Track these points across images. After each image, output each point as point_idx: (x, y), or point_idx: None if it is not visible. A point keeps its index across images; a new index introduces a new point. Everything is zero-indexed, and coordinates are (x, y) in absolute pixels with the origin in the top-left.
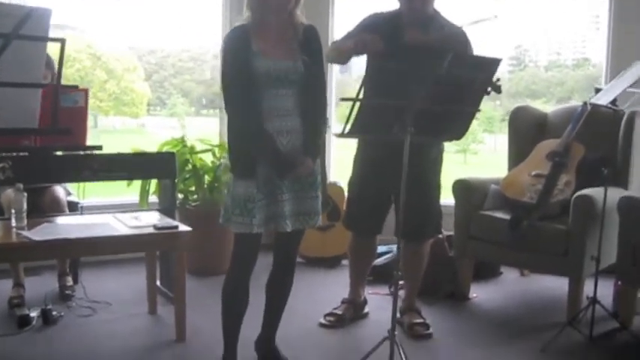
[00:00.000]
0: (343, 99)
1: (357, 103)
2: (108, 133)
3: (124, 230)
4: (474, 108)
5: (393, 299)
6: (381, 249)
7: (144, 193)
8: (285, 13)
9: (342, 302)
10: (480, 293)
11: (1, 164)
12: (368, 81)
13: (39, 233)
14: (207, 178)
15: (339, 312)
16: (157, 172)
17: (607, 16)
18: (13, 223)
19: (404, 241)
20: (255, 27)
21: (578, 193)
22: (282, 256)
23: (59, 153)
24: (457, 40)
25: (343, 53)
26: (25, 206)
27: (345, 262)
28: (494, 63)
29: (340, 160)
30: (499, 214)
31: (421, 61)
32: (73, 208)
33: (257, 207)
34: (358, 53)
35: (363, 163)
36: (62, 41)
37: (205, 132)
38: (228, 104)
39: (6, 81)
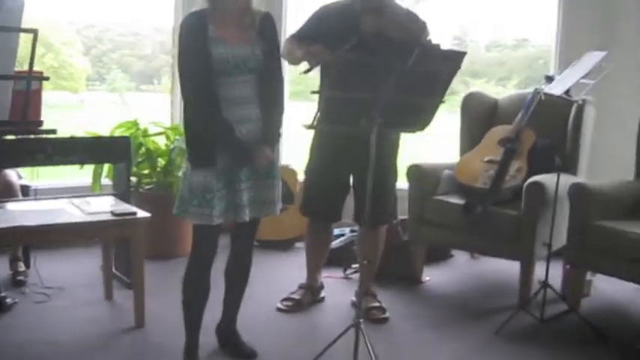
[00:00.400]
0: (313, 92)
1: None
2: (47, 107)
3: (80, 217)
4: (440, 99)
5: (359, 287)
6: (334, 232)
7: (97, 176)
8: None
9: (300, 287)
10: (432, 276)
11: None
12: (333, 73)
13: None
14: (160, 161)
15: (296, 297)
16: (112, 156)
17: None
18: None
19: (360, 226)
20: (212, 13)
21: (530, 179)
22: (240, 244)
23: (11, 137)
24: (414, 23)
25: (295, 60)
26: None
27: (299, 244)
28: (460, 56)
29: (291, 143)
30: (453, 199)
31: (388, 54)
32: (25, 192)
33: (216, 197)
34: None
35: (320, 149)
36: (35, 32)
37: (147, 108)
38: (184, 91)
39: None
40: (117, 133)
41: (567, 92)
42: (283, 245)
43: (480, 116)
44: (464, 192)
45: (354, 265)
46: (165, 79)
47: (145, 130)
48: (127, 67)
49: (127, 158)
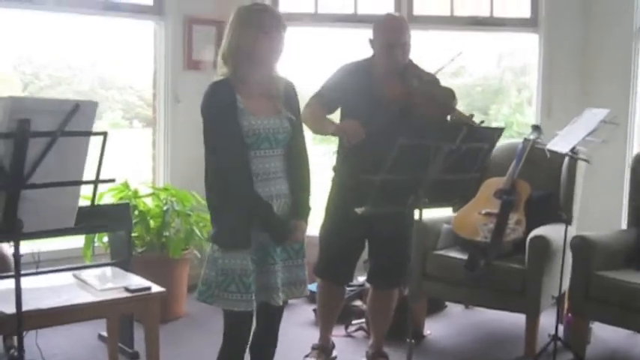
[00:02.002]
0: (362, 176)
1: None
2: None
3: (93, 296)
4: (479, 173)
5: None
6: None
7: (89, 244)
8: (271, 68)
9: (313, 348)
10: (432, 329)
11: None
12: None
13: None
14: (152, 222)
15: (311, 358)
16: (112, 224)
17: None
18: None
19: (373, 287)
20: (238, 82)
21: (533, 233)
22: (267, 327)
23: None
24: (444, 94)
25: (322, 133)
26: None
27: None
28: (499, 131)
29: None
30: (454, 254)
31: (434, 136)
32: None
33: (252, 280)
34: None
35: (336, 211)
36: (105, 134)
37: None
38: (215, 168)
39: (49, 181)
40: (108, 197)
41: (573, 150)
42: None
43: None
44: (464, 246)
45: (355, 322)
46: (105, 115)
47: (136, 192)
48: None
49: (128, 225)
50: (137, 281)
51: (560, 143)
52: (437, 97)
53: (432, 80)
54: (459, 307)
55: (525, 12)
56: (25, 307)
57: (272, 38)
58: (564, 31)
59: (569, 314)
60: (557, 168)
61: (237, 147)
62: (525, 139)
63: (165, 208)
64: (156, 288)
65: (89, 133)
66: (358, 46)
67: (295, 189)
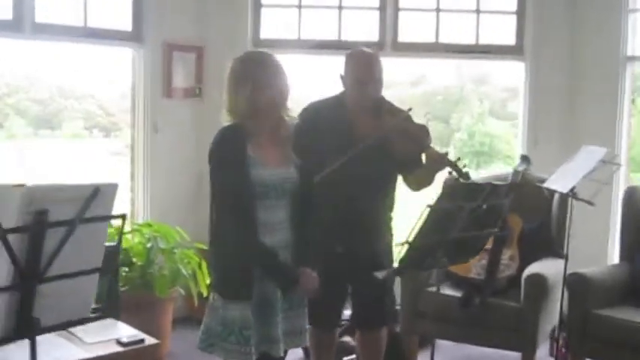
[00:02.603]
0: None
1: None
2: None
3: (85, 351)
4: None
5: None
6: None
7: None
8: (278, 114)
9: None
10: None
11: None
12: None
13: None
14: (135, 259)
15: None
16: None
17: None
18: None
19: (359, 331)
20: (248, 129)
21: (529, 270)
22: None
23: None
24: (418, 130)
25: None
26: None
27: None
28: (518, 187)
29: None
30: (447, 291)
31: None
32: None
33: (252, 333)
34: None
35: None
36: (123, 217)
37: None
38: (220, 216)
39: (65, 272)
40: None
41: (572, 190)
42: None
43: None
44: (457, 283)
45: (345, 359)
46: (65, 125)
47: (117, 228)
48: (24, 113)
49: (115, 269)
50: (127, 332)
51: (558, 182)
52: (411, 133)
53: (405, 117)
54: (446, 341)
55: (510, 39)
56: None
57: (272, 89)
58: (550, 58)
59: (563, 350)
60: (547, 199)
61: (244, 195)
62: (515, 171)
63: (149, 245)
64: (149, 340)
65: (108, 217)
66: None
67: (301, 236)
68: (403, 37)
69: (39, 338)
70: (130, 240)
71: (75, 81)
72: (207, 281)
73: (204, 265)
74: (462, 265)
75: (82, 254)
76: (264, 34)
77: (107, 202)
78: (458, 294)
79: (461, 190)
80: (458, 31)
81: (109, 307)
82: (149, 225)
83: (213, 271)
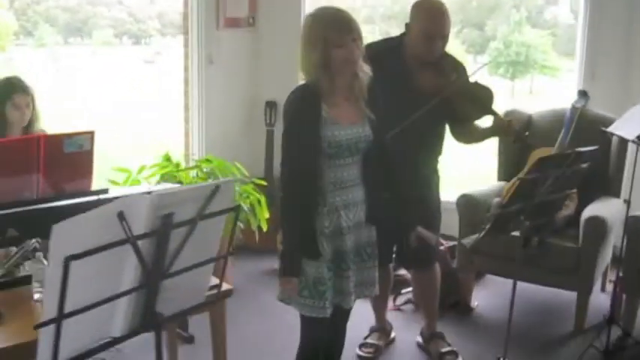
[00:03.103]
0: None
1: None
2: None
3: None
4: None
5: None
6: None
7: None
8: (352, 71)
9: (372, 330)
10: (478, 300)
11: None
12: None
13: None
14: None
15: (374, 341)
16: None
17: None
18: (35, 296)
19: (413, 270)
20: (322, 88)
21: (588, 212)
22: (336, 326)
23: (61, 203)
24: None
25: None
26: None
27: None
28: (596, 152)
29: None
30: None
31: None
32: None
33: (327, 287)
34: None
35: None
36: (237, 209)
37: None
38: (283, 175)
39: (185, 265)
40: (151, 174)
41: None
42: None
43: None
44: None
45: (403, 291)
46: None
47: (178, 165)
48: (54, 20)
49: None
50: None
51: (624, 127)
52: (476, 95)
53: (468, 76)
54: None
55: None
56: None
57: (345, 48)
58: None
59: (617, 289)
60: (607, 138)
61: (307, 159)
62: (573, 106)
63: (209, 181)
64: (225, 286)
65: (225, 211)
66: None
67: (377, 194)
68: None
69: None
70: (190, 176)
71: None
72: (267, 215)
73: (262, 199)
74: None
75: (200, 247)
76: None
77: (226, 197)
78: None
79: (549, 161)
80: None
81: None
82: (208, 160)
83: (282, 227)
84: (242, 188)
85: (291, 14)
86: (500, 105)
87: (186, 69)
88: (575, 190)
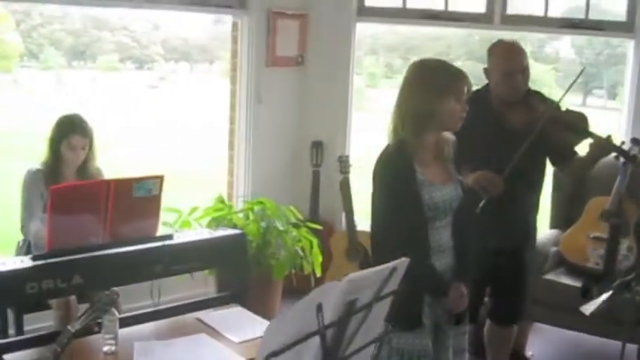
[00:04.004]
0: None
1: None
2: None
3: (239, 355)
4: None
5: None
6: None
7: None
8: (453, 127)
9: None
10: (532, 349)
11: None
12: None
13: None
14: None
15: None
16: (228, 255)
17: None
18: (105, 348)
19: (494, 323)
20: (415, 148)
21: None
22: None
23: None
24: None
25: None
26: (117, 330)
27: None
28: None
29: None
30: (565, 280)
31: None
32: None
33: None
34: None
35: None
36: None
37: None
38: (392, 243)
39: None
40: (202, 215)
41: None
42: None
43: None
44: (574, 271)
45: None
46: (100, 59)
47: (231, 207)
48: (59, 43)
49: (245, 255)
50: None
51: None
52: (569, 121)
53: (558, 105)
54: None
55: (622, 15)
56: None
57: (463, 106)
58: None
59: None
60: None
61: (419, 221)
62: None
63: (263, 224)
64: None
65: (392, 293)
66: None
67: (463, 255)
68: (512, 9)
69: (195, 338)
70: (242, 219)
71: (108, 12)
72: (320, 259)
73: (315, 243)
74: (577, 253)
75: (370, 326)
76: (369, 1)
77: (397, 276)
78: (575, 283)
79: None
80: (565, 3)
81: (238, 293)
82: (260, 202)
83: None
84: (299, 233)
85: (339, 54)
86: None
87: (232, 107)
88: (633, 242)
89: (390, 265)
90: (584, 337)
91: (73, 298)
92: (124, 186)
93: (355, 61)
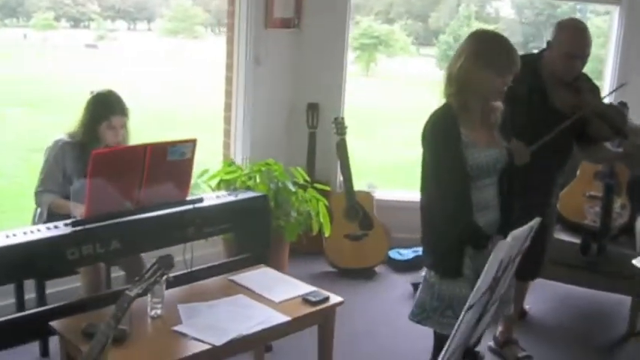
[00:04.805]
0: None
1: None
2: None
3: (282, 313)
4: None
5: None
6: (405, 253)
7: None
8: (497, 101)
9: None
10: (529, 303)
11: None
12: None
13: (203, 329)
14: None
15: None
16: (254, 217)
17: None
18: (152, 312)
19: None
20: (461, 111)
21: None
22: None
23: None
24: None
25: None
26: (164, 294)
27: (379, 270)
28: None
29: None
30: (565, 237)
31: None
32: None
33: None
34: None
35: None
36: None
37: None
38: (437, 196)
39: None
40: (211, 176)
41: None
42: (365, 273)
43: None
44: (572, 228)
45: None
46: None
47: (241, 170)
48: None
49: (268, 217)
50: (305, 288)
51: None
52: (610, 116)
53: (602, 97)
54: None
55: None
56: (225, 336)
57: (505, 81)
58: None
59: None
60: None
61: (462, 179)
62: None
63: (272, 186)
64: (335, 298)
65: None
66: None
67: (508, 216)
68: None
69: (234, 298)
70: (249, 181)
71: None
72: (328, 220)
73: (323, 204)
74: (574, 211)
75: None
76: None
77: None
78: (574, 239)
79: None
80: None
81: (261, 253)
82: (267, 164)
83: (427, 250)
84: (310, 193)
85: (335, 18)
86: None
87: (228, 67)
88: (625, 200)
89: (529, 225)
90: (577, 290)
91: (101, 263)
92: (160, 150)
93: (351, 24)
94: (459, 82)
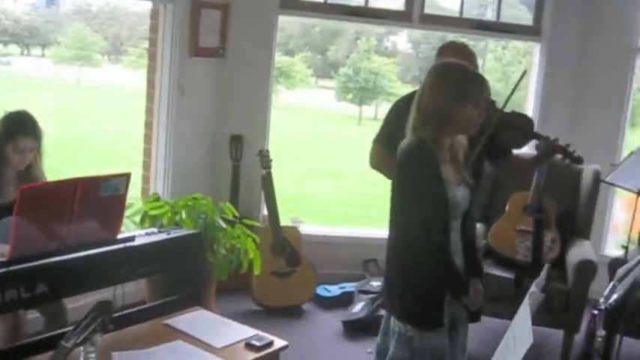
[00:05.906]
0: None
1: None
2: None
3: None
4: None
5: None
6: (335, 290)
7: None
8: (469, 134)
9: None
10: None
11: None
12: None
13: None
14: None
15: None
16: (189, 256)
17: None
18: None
19: None
20: (434, 147)
21: (577, 257)
22: None
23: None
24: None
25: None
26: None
27: (307, 308)
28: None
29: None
30: (497, 272)
31: None
32: None
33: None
34: None
35: None
36: None
37: None
38: (419, 233)
39: None
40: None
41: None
42: (293, 311)
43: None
44: (503, 263)
45: None
46: None
47: (171, 204)
48: None
49: (203, 255)
50: (246, 331)
51: (626, 179)
52: (515, 124)
53: (500, 107)
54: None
55: (529, 20)
56: None
57: (480, 112)
58: (565, 42)
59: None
60: (575, 183)
61: (444, 217)
62: None
63: (200, 222)
64: (277, 342)
65: None
66: None
67: (469, 248)
68: (429, 9)
69: (173, 345)
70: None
71: None
72: (259, 257)
73: (253, 240)
74: (506, 246)
75: None
76: None
77: None
78: (505, 274)
79: None
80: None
81: (196, 294)
82: (195, 199)
83: (403, 301)
84: (240, 229)
85: (261, 48)
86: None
87: (149, 98)
88: (555, 234)
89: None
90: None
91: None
92: (93, 185)
93: (275, 54)
94: (436, 118)
